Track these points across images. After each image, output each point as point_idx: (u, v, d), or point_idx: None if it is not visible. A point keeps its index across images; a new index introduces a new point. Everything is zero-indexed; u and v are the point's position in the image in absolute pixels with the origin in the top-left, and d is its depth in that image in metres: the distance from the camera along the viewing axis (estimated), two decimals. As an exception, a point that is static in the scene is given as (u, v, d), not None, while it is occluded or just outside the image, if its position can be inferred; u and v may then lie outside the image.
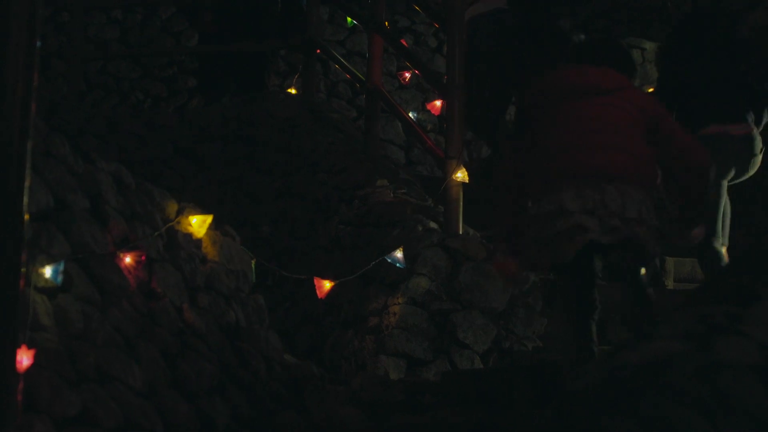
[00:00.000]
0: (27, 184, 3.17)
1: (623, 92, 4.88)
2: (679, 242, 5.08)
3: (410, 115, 8.16)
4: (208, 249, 5.23)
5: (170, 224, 4.98)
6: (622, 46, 5.23)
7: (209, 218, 5.18)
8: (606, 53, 5.07)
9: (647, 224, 4.70)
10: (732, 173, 6.43)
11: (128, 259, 4.57)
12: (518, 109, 5.25)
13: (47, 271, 3.96)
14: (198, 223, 5.14)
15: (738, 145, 6.42)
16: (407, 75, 10.00)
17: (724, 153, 6.31)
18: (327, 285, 6.24)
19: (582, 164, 4.73)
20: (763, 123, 6.53)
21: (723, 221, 6.57)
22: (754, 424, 2.67)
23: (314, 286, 6.26)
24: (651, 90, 7.25)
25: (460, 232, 6.57)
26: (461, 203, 6.61)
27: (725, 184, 6.50)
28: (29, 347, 3.45)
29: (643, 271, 4.83)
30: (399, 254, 6.32)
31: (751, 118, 6.44)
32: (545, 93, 4.96)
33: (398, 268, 6.34)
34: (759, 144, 6.46)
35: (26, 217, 3.17)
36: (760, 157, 6.49)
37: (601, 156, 4.73)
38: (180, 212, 5.11)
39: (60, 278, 4.01)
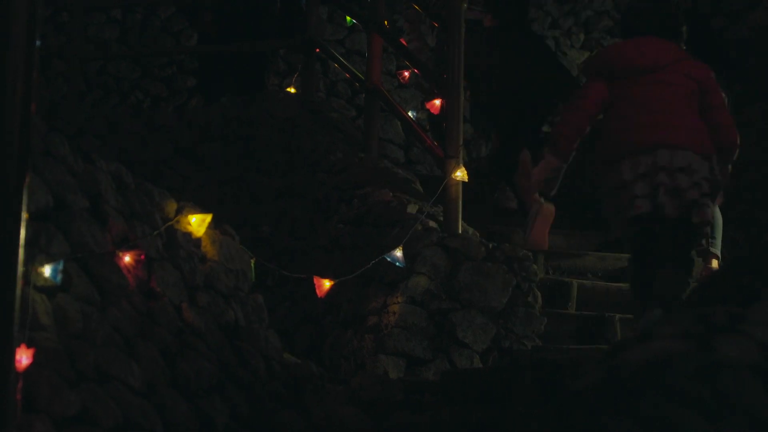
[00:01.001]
0: (26, 183, 3.17)
1: (677, 65, 5.30)
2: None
3: (409, 114, 8.16)
4: (208, 248, 5.22)
5: (169, 223, 4.98)
6: (669, 11, 5.51)
7: (208, 217, 5.18)
8: (654, 20, 5.36)
9: (695, 176, 5.12)
10: None
11: (127, 259, 4.56)
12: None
13: (46, 271, 3.96)
14: (197, 222, 5.13)
15: None
16: (406, 74, 10.00)
17: None
18: (326, 284, 6.24)
19: (639, 142, 5.17)
20: None
21: (715, 228, 6.59)
22: (754, 424, 2.67)
23: (314, 285, 6.26)
24: None
25: (460, 232, 6.57)
26: (460, 202, 6.61)
27: None
28: (29, 346, 3.44)
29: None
30: (398, 253, 6.32)
31: None
32: (608, 67, 5.39)
33: (398, 267, 6.34)
34: None
35: (25, 216, 3.17)
36: None
37: (657, 133, 5.16)
38: (179, 211, 5.11)
39: (59, 277, 4.00)
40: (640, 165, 5.16)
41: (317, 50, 8.97)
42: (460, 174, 6.58)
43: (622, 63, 5.36)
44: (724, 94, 5.54)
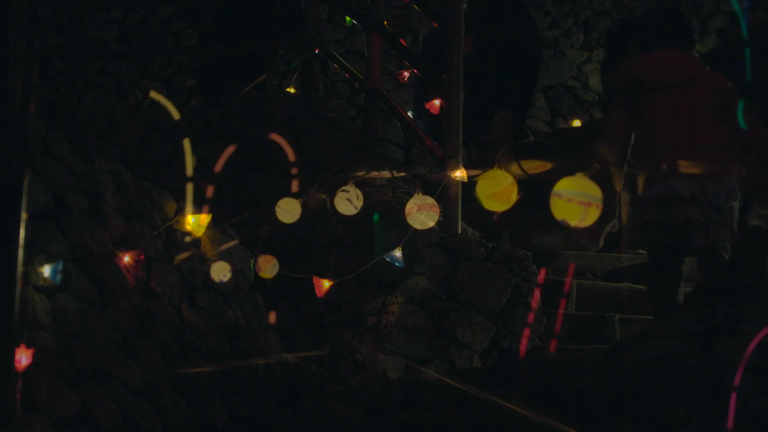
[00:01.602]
0: (26, 183, 3.17)
1: (700, 78, 5.45)
2: (763, 222, 5.60)
3: (409, 114, 8.16)
4: (207, 248, 5.22)
5: (169, 223, 4.98)
6: (683, 20, 5.62)
7: (208, 217, 5.18)
8: (667, 29, 5.58)
9: (724, 209, 5.26)
10: None
11: (127, 259, 4.56)
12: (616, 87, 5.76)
13: (46, 271, 3.96)
14: (197, 223, 5.13)
15: None
16: (406, 74, 10.01)
17: None
18: (326, 284, 6.23)
19: (679, 159, 5.31)
20: None
21: None
22: (754, 424, 2.67)
23: (313, 285, 6.26)
24: None
25: (459, 232, 6.56)
26: (460, 202, 6.61)
27: None
28: (28, 346, 3.44)
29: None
30: (398, 253, 6.32)
31: None
32: (636, 82, 5.48)
33: (397, 267, 6.33)
34: None
35: (25, 216, 3.17)
36: None
37: (695, 154, 5.31)
38: (179, 211, 5.11)
39: (59, 277, 4.01)
40: (659, 190, 5.30)
41: (317, 50, 8.96)
42: (460, 174, 6.58)
43: (651, 79, 5.46)
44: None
